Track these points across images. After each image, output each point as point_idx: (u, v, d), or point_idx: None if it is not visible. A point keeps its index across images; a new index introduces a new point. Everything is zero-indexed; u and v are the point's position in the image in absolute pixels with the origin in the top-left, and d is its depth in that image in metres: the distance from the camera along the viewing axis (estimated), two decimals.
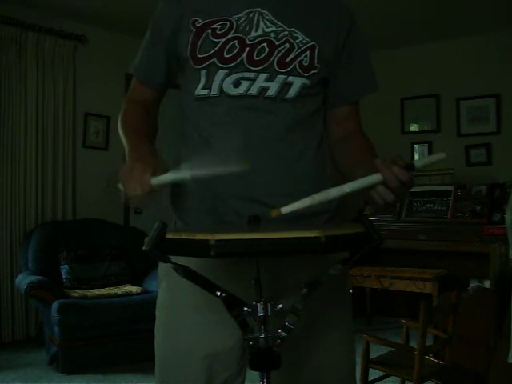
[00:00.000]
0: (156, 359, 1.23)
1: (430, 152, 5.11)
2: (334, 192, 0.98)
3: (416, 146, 5.20)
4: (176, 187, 1.23)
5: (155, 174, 0.99)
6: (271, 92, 1.15)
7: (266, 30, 1.16)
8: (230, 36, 1.15)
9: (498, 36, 4.67)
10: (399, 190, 0.98)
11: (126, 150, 1.14)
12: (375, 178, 0.98)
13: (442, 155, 1.00)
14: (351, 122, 1.29)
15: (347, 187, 0.98)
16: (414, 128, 5.31)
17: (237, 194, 1.14)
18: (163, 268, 1.24)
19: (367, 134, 1.29)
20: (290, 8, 1.19)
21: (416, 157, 5.15)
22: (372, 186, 1.00)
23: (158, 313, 1.24)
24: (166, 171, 1.01)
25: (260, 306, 0.92)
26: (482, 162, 4.82)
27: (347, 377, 1.24)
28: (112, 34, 4.72)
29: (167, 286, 1.22)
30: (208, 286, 0.94)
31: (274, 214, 0.94)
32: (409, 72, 5.16)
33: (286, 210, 0.94)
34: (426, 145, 5.14)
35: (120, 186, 1.02)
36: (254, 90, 1.14)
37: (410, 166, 0.97)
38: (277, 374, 0.94)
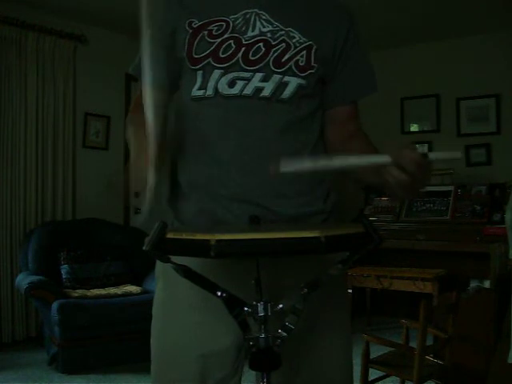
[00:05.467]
0: (152, 358, 1.23)
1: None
2: (337, 161, 0.95)
3: (416, 146, 5.20)
4: (173, 187, 1.23)
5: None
6: (266, 92, 1.14)
7: (263, 29, 1.15)
8: (225, 36, 1.15)
9: (497, 36, 4.67)
10: (415, 172, 0.94)
11: (132, 148, 1.13)
12: (383, 158, 0.95)
13: (458, 154, 0.96)
14: (351, 124, 1.28)
15: (353, 159, 0.95)
16: (414, 128, 5.32)
17: (231, 195, 1.14)
18: (160, 267, 1.24)
19: (367, 133, 1.29)
20: (287, 8, 1.19)
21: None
22: (383, 170, 0.97)
23: (154, 311, 1.25)
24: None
25: (260, 306, 0.92)
26: (482, 161, 4.82)
27: (345, 377, 1.24)
28: (112, 34, 4.72)
29: (163, 285, 1.23)
30: (208, 285, 0.94)
31: (272, 171, 0.92)
32: (409, 72, 5.16)
33: (285, 169, 0.92)
34: (426, 145, 5.14)
35: (129, 168, 1.01)
36: (248, 91, 1.14)
37: (422, 155, 0.94)
38: (276, 373, 0.94)
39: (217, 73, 1.15)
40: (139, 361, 3.26)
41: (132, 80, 4.54)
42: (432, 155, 0.96)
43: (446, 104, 5.05)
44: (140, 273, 4.08)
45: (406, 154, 0.94)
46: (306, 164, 0.93)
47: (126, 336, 3.53)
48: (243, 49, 1.14)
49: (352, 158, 0.96)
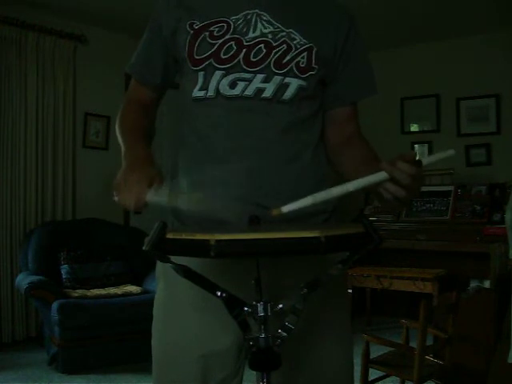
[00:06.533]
0: (153, 358, 1.23)
1: (431, 152, 5.12)
2: (336, 191, 0.97)
3: (416, 146, 5.21)
4: (173, 188, 1.23)
5: (151, 185, 0.99)
6: (267, 93, 1.14)
7: (264, 30, 1.15)
8: (227, 37, 1.15)
9: (498, 36, 4.67)
10: (410, 185, 0.97)
11: (122, 151, 1.14)
12: (380, 176, 0.97)
13: (450, 152, 0.98)
14: (350, 125, 1.28)
15: (351, 186, 0.97)
16: (414, 128, 5.32)
17: (232, 195, 1.14)
18: (160, 267, 1.24)
19: (367, 133, 1.29)
20: (288, 9, 1.19)
21: (416, 157, 5.13)
22: (380, 184, 0.99)
23: (155, 312, 1.25)
24: (161, 179, 1.02)
25: (260, 306, 0.92)
26: (482, 161, 4.82)
27: (346, 377, 1.24)
28: (112, 34, 4.72)
29: (164, 286, 1.23)
30: (208, 285, 0.94)
31: (274, 213, 0.94)
32: (409, 72, 5.16)
33: (286, 209, 0.94)
34: (426, 145, 5.15)
35: (115, 194, 1.02)
36: (249, 92, 1.14)
37: (416, 163, 0.97)
38: (276, 373, 0.94)
39: (218, 74, 1.15)
40: (139, 361, 3.28)
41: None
42: (426, 160, 0.99)
43: (446, 104, 5.05)
44: (140, 273, 4.08)
45: (400, 167, 0.95)
46: (306, 202, 0.94)
47: (126, 336, 3.53)
48: (244, 50, 1.14)
49: (350, 184, 0.97)
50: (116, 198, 1.02)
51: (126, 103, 1.29)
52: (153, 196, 0.99)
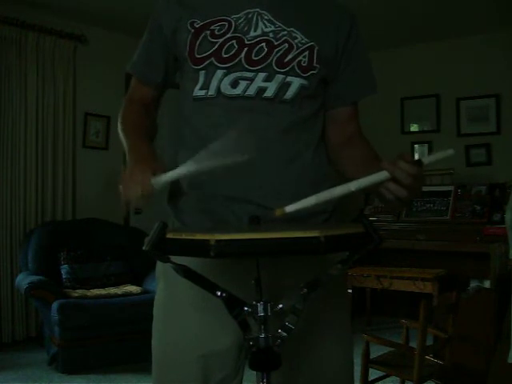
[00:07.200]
0: (153, 358, 1.23)
1: (431, 152, 5.12)
2: (338, 190, 0.97)
3: (416, 146, 5.21)
4: (173, 188, 1.23)
5: (155, 175, 1.00)
6: (269, 93, 1.14)
7: (265, 29, 1.15)
8: (228, 36, 1.14)
9: (498, 36, 4.67)
10: (411, 184, 0.98)
11: (126, 150, 1.14)
12: (382, 175, 0.98)
13: (450, 151, 0.98)
14: (351, 125, 1.28)
15: (353, 185, 0.97)
16: (414, 128, 5.32)
17: (232, 195, 1.14)
18: (160, 267, 1.24)
19: (367, 133, 1.29)
20: (289, 8, 1.19)
21: (416, 157, 5.13)
22: (381, 184, 0.99)
23: (155, 312, 1.25)
24: (165, 172, 1.02)
25: (260, 306, 0.92)
26: (482, 161, 4.82)
27: (346, 377, 1.24)
28: (112, 34, 4.72)
29: (164, 286, 1.23)
30: (208, 285, 0.94)
31: (278, 213, 0.94)
32: (409, 72, 5.16)
33: (290, 208, 0.94)
34: (426, 145, 5.15)
35: (120, 188, 1.02)
36: (251, 91, 1.14)
37: (416, 163, 0.97)
38: (276, 373, 0.94)
39: (219, 73, 1.14)
40: (139, 361, 3.28)
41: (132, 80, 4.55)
42: (426, 159, 0.99)
43: (446, 104, 5.05)
44: (140, 273, 4.08)
45: (401, 167, 0.96)
46: (309, 201, 0.94)
47: (126, 336, 3.53)
48: (246, 49, 1.14)
49: (352, 184, 0.98)
50: (122, 194, 1.02)
51: (127, 103, 1.29)
52: (157, 180, 0.99)
